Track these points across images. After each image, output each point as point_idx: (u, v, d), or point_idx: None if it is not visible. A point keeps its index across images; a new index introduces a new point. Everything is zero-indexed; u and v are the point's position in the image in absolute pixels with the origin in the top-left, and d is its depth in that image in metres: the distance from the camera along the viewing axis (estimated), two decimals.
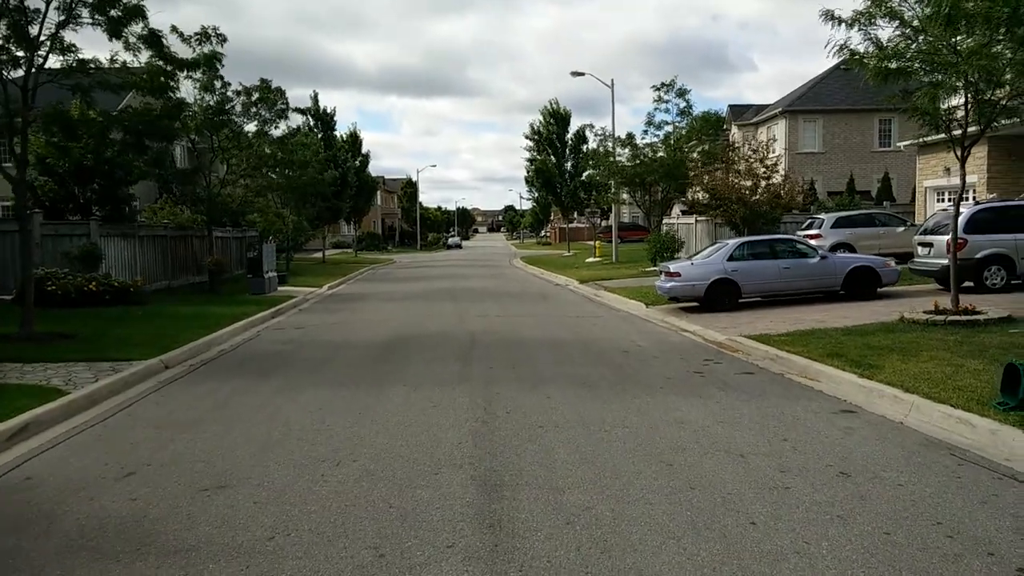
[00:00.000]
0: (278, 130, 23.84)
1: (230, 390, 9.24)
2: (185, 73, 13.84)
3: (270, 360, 11.56)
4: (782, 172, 22.91)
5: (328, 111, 43.64)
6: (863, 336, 11.37)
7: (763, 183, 22.63)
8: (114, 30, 12.44)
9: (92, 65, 12.07)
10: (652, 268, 28.26)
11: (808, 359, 10.09)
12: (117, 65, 12.92)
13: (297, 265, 38.31)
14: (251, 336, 14.55)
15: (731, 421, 7.19)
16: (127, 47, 12.55)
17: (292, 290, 25.20)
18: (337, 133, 50.12)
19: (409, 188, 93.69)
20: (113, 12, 12.24)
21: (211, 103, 21.89)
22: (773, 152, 24.10)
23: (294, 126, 24.48)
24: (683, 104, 28.94)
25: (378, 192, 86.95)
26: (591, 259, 39.13)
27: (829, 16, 12.36)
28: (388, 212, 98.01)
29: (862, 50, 11.94)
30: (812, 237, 21.92)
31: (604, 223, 53.21)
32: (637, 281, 24.45)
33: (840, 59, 12.08)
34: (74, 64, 11.89)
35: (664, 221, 32.20)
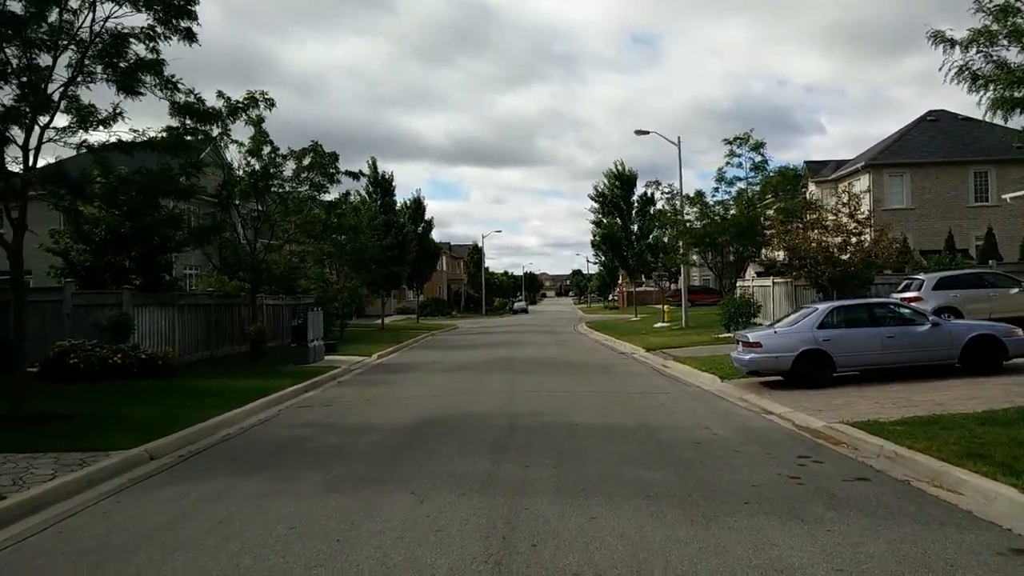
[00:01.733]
0: (328, 195, 22.82)
1: (201, 494, 7.51)
2: (207, 127, 12.53)
3: (273, 449, 9.86)
4: (875, 227, 20.46)
5: (386, 176, 43.28)
6: (1006, 428, 8.92)
7: (853, 240, 20.20)
8: (124, 84, 11.37)
9: (94, 120, 10.97)
10: (725, 335, 25.81)
11: (940, 460, 7.75)
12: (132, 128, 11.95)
13: (354, 332, 37.23)
14: (270, 416, 12.95)
15: (856, 570, 5.00)
16: (132, 95, 11.43)
17: (339, 359, 23.80)
18: (399, 199, 49.86)
19: (475, 254, 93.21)
20: (123, 63, 11.18)
21: (256, 167, 21.06)
22: (864, 205, 21.70)
23: (348, 191, 23.31)
24: (758, 158, 26.87)
25: (443, 258, 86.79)
26: (659, 324, 36.77)
27: (939, 38, 10.36)
28: (454, 278, 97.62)
29: (986, 71, 9.79)
30: (910, 300, 19.27)
31: (673, 286, 50.83)
32: (709, 350, 22.07)
33: (961, 82, 9.91)
34: (74, 121, 10.81)
35: (738, 284, 29.76)
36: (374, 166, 43.02)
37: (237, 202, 21.65)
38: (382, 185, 42.74)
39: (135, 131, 11.80)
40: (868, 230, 20.47)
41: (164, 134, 12.35)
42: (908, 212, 34.84)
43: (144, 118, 20.08)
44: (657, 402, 13.07)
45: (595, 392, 14.54)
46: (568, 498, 6.83)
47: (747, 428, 10.48)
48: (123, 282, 19.47)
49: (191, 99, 12.42)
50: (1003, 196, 24.49)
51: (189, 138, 12.14)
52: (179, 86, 11.55)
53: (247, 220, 21.86)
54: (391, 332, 39.34)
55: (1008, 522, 6.05)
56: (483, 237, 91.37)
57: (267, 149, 21.85)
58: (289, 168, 22.53)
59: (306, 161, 22.49)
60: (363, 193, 42.22)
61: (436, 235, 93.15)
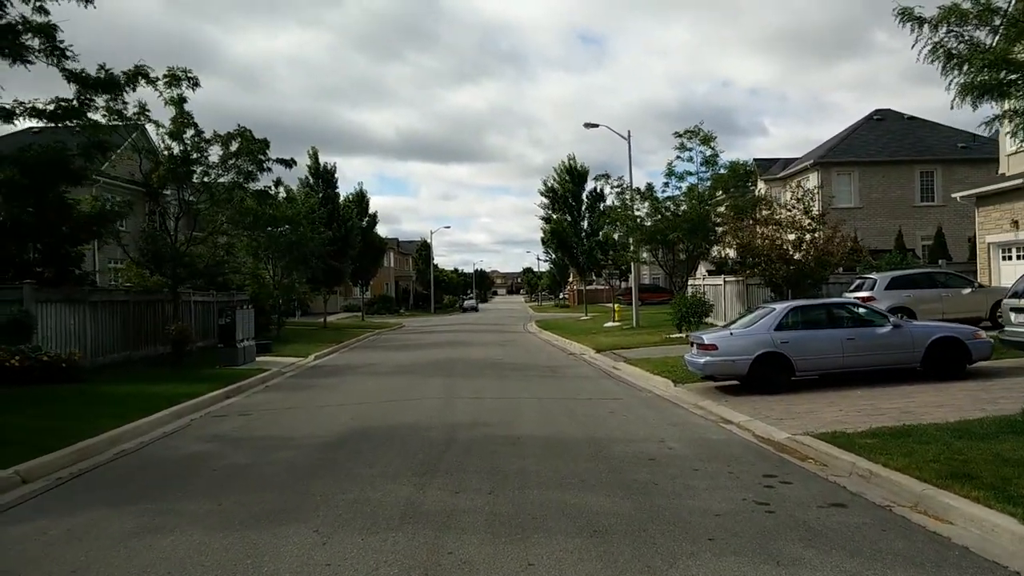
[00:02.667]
0: (258, 183, 21.24)
1: (62, 532, 6.20)
2: (105, 98, 11.06)
3: (168, 470, 8.53)
4: (828, 225, 19.89)
5: (329, 167, 41.44)
6: (985, 441, 8.15)
7: (808, 237, 19.59)
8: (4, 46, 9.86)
9: None
10: (677, 335, 25.11)
11: (922, 481, 6.91)
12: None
13: (293, 331, 35.57)
14: (178, 427, 11.55)
15: None
16: (18, 60, 9.93)
17: (272, 361, 22.32)
18: (345, 193, 48.11)
19: (424, 250, 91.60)
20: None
21: (176, 152, 19.45)
22: (817, 202, 21.11)
23: (279, 180, 21.68)
24: (708, 152, 26.14)
25: (391, 254, 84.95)
26: (610, 323, 36.02)
27: (907, 16, 9.57)
28: (402, 275, 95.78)
29: (961, 50, 8.99)
30: (864, 300, 18.74)
31: (623, 285, 50.28)
32: (661, 351, 21.27)
33: (935, 61, 9.10)
34: None
35: (689, 283, 29.09)
36: (315, 156, 41.20)
37: (166, 191, 19.97)
38: (324, 176, 40.95)
39: (18, 102, 10.27)
40: (822, 227, 19.88)
41: (52, 106, 10.84)
42: (856, 211, 34.74)
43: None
44: (607, 410, 12.08)
45: (541, 399, 13.49)
46: (502, 537, 5.73)
47: (705, 441, 9.55)
48: (27, 276, 17.68)
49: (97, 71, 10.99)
50: (953, 195, 24.26)
51: (97, 117, 10.67)
52: (67, 53, 10.07)
53: (167, 209, 20.19)
54: (333, 331, 37.75)
55: (1013, 562, 5.18)
56: (431, 233, 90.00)
57: (190, 132, 20.22)
58: (215, 154, 20.94)
59: (233, 147, 20.89)
60: (303, 185, 40.43)
61: (384, 231, 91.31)
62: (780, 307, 13.54)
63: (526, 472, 7.86)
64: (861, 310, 13.88)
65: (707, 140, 25.86)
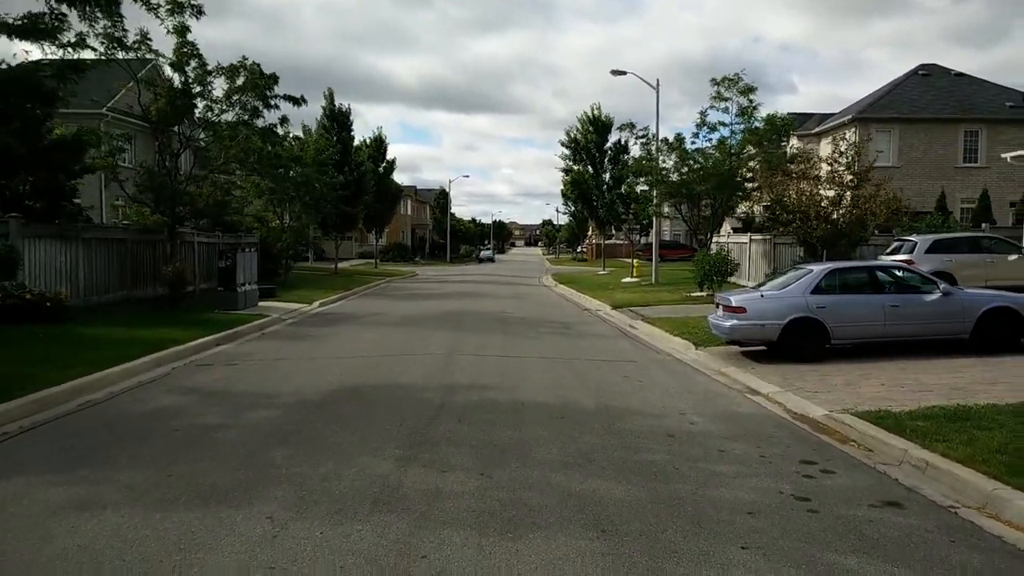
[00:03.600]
0: (262, 121, 20.03)
1: None
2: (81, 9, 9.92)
3: (128, 427, 7.63)
4: (873, 181, 18.43)
5: (343, 109, 39.97)
6: None
7: (848, 194, 18.18)
8: None
9: None
10: (698, 293, 23.93)
11: (991, 478, 5.84)
12: None
13: (302, 276, 34.70)
14: (156, 376, 10.66)
15: None
16: None
17: (274, 306, 21.44)
18: (359, 136, 46.71)
19: (442, 199, 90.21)
20: None
21: (178, 84, 18.29)
22: (871, 153, 19.53)
23: (285, 117, 20.41)
24: (746, 103, 24.41)
25: (408, 201, 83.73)
26: (628, 279, 34.82)
27: None
28: (419, 223, 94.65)
29: None
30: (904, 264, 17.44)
31: (643, 240, 48.85)
32: (681, 310, 20.15)
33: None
34: None
35: (713, 240, 27.72)
36: (330, 98, 39.70)
37: (175, 127, 18.86)
38: (338, 119, 39.50)
39: None
40: (865, 184, 18.42)
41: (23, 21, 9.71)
42: (894, 170, 32.93)
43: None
44: (622, 374, 11.03)
45: (550, 358, 12.47)
46: (490, 536, 4.73)
47: (731, 414, 8.49)
48: (16, 210, 16.78)
49: None
50: (1003, 155, 22.62)
51: (96, 44, 9.52)
52: None
53: (167, 144, 19.10)
54: (343, 277, 36.88)
55: None
56: (450, 182, 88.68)
57: (193, 64, 19.01)
58: (219, 88, 19.75)
59: (239, 80, 19.67)
60: (320, 128, 39.09)
61: (406, 179, 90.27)
62: (817, 269, 12.32)
63: (525, 447, 6.86)
64: (906, 274, 12.64)
65: (747, 91, 24.15)
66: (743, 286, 26.66)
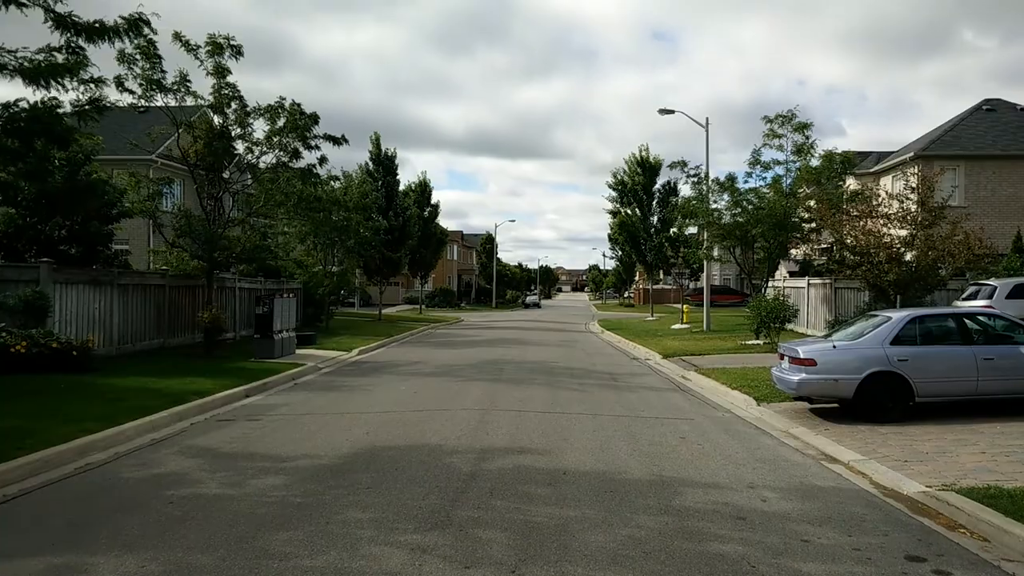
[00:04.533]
0: (300, 162, 19.65)
1: None
2: (109, 45, 9.48)
3: (120, 498, 6.79)
4: (948, 220, 17.00)
5: (389, 153, 39.85)
6: None
7: (921, 234, 16.76)
8: None
9: None
10: (754, 341, 22.55)
11: None
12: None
13: (344, 322, 34.24)
14: (169, 434, 9.88)
15: None
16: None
17: (311, 354, 20.78)
18: (405, 182, 46.67)
19: (488, 244, 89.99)
20: None
21: (217, 125, 18.03)
22: (939, 191, 18.16)
23: (326, 159, 20.01)
24: (801, 140, 23.18)
25: (454, 246, 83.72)
26: (677, 325, 33.48)
27: None
28: (465, 268, 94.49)
29: None
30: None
31: (692, 285, 47.43)
32: (737, 359, 18.85)
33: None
34: None
35: (769, 284, 26.28)
36: (377, 142, 39.68)
37: (202, 168, 18.56)
38: (384, 164, 39.39)
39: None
40: (941, 222, 17.01)
41: (40, 56, 9.26)
42: (960, 210, 31.20)
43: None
44: (677, 435, 9.87)
45: (596, 415, 11.35)
46: None
47: (809, 489, 7.27)
48: (50, 255, 16.51)
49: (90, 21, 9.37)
50: None
51: (133, 87, 9.06)
52: None
53: (203, 186, 18.78)
54: (386, 324, 36.31)
55: None
56: (496, 226, 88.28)
57: (234, 106, 18.77)
58: (260, 131, 19.47)
59: (280, 122, 19.37)
60: (363, 172, 39.01)
61: (452, 225, 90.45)
62: (896, 316, 11.03)
63: (567, 531, 5.79)
64: (998, 322, 11.26)
65: (802, 128, 22.97)
66: (803, 334, 25.15)
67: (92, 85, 10.14)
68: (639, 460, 8.28)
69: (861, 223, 17.22)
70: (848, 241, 17.48)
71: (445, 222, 51.55)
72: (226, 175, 19.24)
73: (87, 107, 10.07)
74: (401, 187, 43.89)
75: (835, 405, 11.18)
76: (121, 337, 17.90)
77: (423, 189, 50.03)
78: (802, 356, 10.75)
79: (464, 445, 8.89)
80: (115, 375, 14.09)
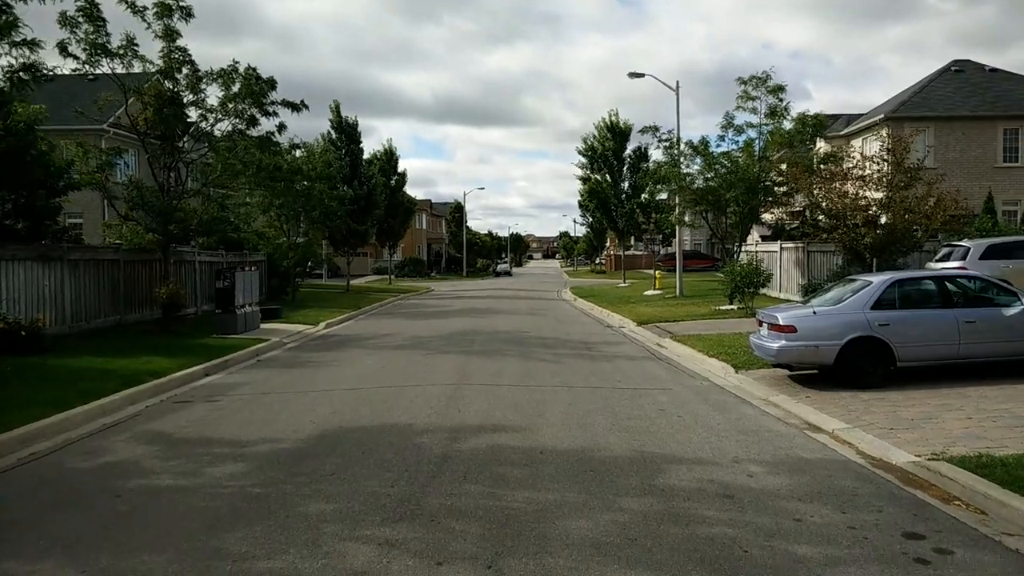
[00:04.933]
0: (259, 130, 18.79)
1: None
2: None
3: (63, 492, 6.27)
4: (924, 180, 16.80)
5: (351, 121, 38.71)
6: None
7: (897, 196, 16.55)
8: None
9: None
10: (728, 307, 22.38)
11: None
12: None
13: (311, 294, 33.50)
14: (121, 419, 9.32)
15: None
16: None
17: (276, 328, 20.14)
18: (370, 149, 45.56)
19: (457, 212, 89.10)
20: None
21: (168, 91, 17.11)
22: (915, 152, 17.92)
23: (284, 126, 19.16)
24: (775, 102, 22.76)
25: (423, 216, 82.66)
26: (650, 292, 33.27)
27: None
28: (435, 238, 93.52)
29: None
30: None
31: (664, 250, 47.27)
32: (712, 325, 18.64)
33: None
34: None
35: (743, 249, 26.07)
36: (337, 110, 38.45)
37: (167, 138, 17.65)
38: (346, 132, 38.28)
39: None
40: (917, 184, 16.80)
41: None
42: (930, 172, 31.26)
43: None
44: (656, 406, 9.55)
45: (572, 387, 11.00)
46: None
47: (796, 462, 6.99)
48: (0, 231, 15.63)
49: None
50: None
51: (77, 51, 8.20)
52: None
53: (156, 156, 17.89)
54: (355, 295, 35.62)
55: None
56: (464, 194, 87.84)
57: (185, 71, 17.82)
58: (213, 96, 18.55)
59: (235, 88, 18.45)
60: (326, 141, 37.93)
61: (420, 193, 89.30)
62: (877, 280, 10.77)
63: (546, 517, 5.41)
64: (978, 284, 11.07)
65: (777, 89, 22.52)
66: (776, 299, 25.05)
67: (26, 49, 9.32)
68: (618, 435, 7.93)
69: (836, 186, 16.94)
70: (823, 204, 17.23)
71: (413, 191, 50.62)
72: (181, 144, 18.35)
73: (20, 73, 9.27)
74: (366, 156, 42.87)
75: (815, 372, 10.95)
76: (74, 315, 17.09)
77: (389, 157, 48.96)
78: (782, 323, 10.46)
79: (435, 424, 8.47)
80: (67, 355, 13.40)
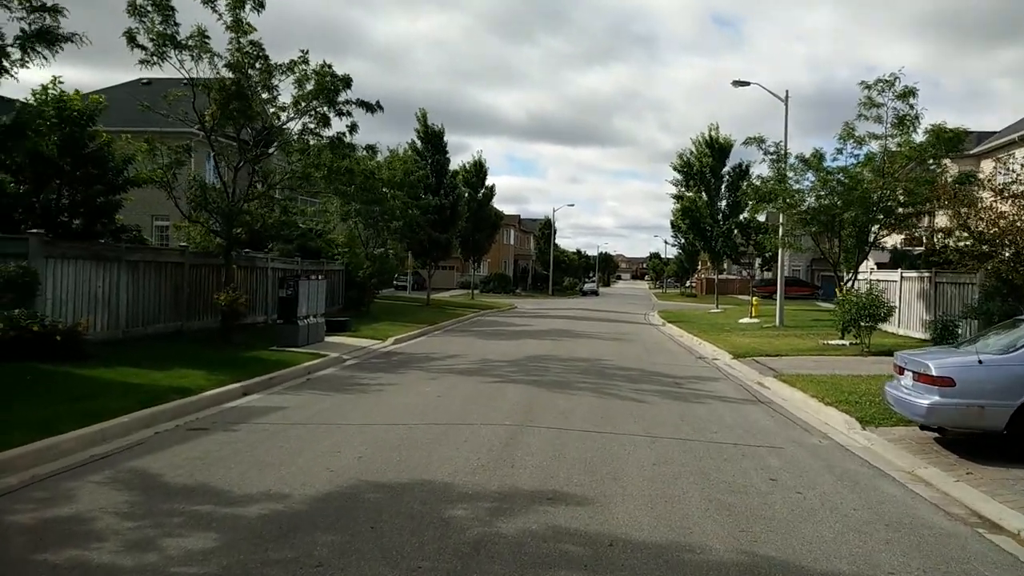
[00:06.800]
0: (329, 131, 17.60)
1: None
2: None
3: None
4: None
5: (437, 130, 37.67)
6: None
7: None
8: None
9: None
10: (838, 341, 19.75)
11: None
12: None
13: (388, 306, 32.44)
14: (115, 449, 7.93)
15: None
16: None
17: (341, 342, 18.91)
18: (459, 162, 44.60)
19: (546, 229, 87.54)
20: None
21: (230, 81, 16.10)
22: None
23: (356, 126, 17.91)
24: (905, 110, 19.83)
25: (511, 231, 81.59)
26: (746, 320, 30.58)
27: None
28: (522, 254, 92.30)
29: None
30: None
31: (765, 274, 44.09)
32: (822, 363, 16.19)
33: None
34: None
35: (859, 276, 23.17)
36: (424, 119, 37.48)
37: (235, 135, 16.75)
38: (432, 141, 37.34)
39: None
40: None
41: None
42: None
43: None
44: (765, 474, 7.43)
45: (656, 437, 8.97)
46: None
47: None
48: (50, 227, 14.90)
49: None
50: None
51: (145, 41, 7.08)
52: None
53: (222, 155, 16.93)
54: (433, 309, 34.37)
55: None
56: (554, 210, 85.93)
57: (258, 66, 16.84)
58: (288, 93, 17.50)
59: (309, 87, 17.34)
60: (411, 151, 36.98)
61: (512, 210, 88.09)
62: None
63: None
64: None
65: (907, 94, 19.70)
66: (895, 334, 22.13)
67: (44, 13, 8.14)
68: (718, 521, 5.90)
69: (992, 204, 14.21)
70: (975, 227, 14.50)
71: (504, 207, 50.00)
72: (249, 142, 17.35)
73: (34, 40, 8.12)
74: (455, 168, 41.84)
75: (971, 433, 8.56)
76: (130, 319, 16.24)
77: (478, 170, 47.87)
78: (935, 373, 8.14)
79: (478, 485, 6.64)
80: (103, 365, 12.32)
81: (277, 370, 13.57)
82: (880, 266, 27.96)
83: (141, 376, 11.55)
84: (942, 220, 18.18)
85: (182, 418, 9.55)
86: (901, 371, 9.02)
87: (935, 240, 19.92)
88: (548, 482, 6.82)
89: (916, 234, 22.90)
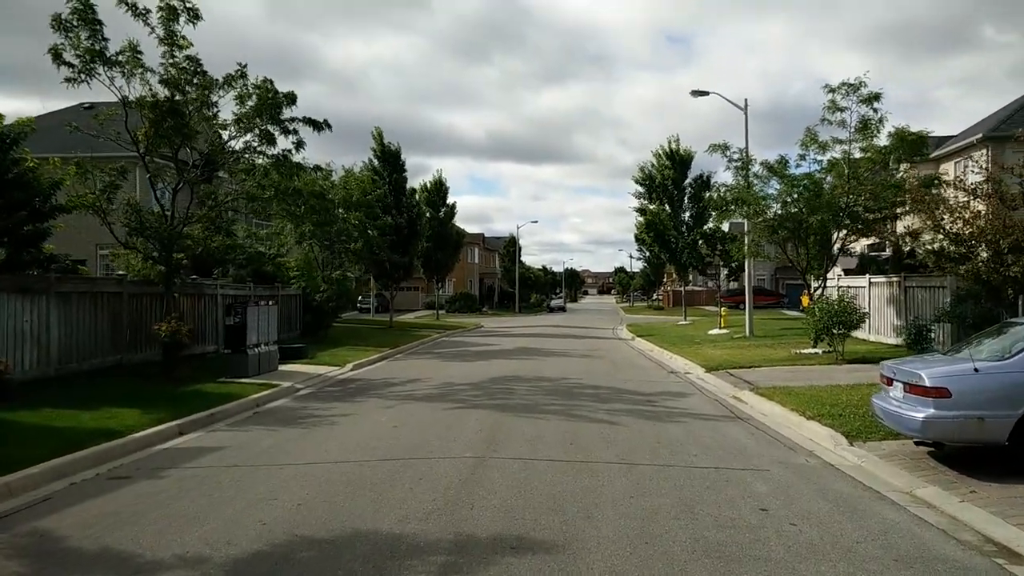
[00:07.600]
0: (275, 149, 16.62)
1: None
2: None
3: None
4: None
5: (393, 148, 36.75)
6: None
7: None
8: None
9: None
10: (811, 350, 19.28)
11: None
12: None
13: (348, 330, 31.34)
14: (18, 506, 6.93)
15: None
16: None
17: (296, 370, 17.88)
18: (420, 182, 43.77)
19: (511, 247, 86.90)
20: None
21: (164, 99, 15.13)
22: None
23: (303, 144, 16.96)
24: (869, 114, 19.54)
25: (474, 249, 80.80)
26: (715, 331, 30.12)
27: None
28: (487, 272, 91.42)
29: None
30: None
31: (732, 284, 43.92)
32: (797, 373, 15.63)
33: None
34: None
35: (828, 283, 22.80)
36: (379, 137, 36.53)
37: (170, 155, 15.70)
38: (389, 159, 36.44)
39: None
40: None
41: None
42: None
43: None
44: (754, 503, 6.69)
45: (633, 464, 8.20)
46: None
47: None
48: None
49: None
50: None
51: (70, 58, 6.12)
52: None
53: (158, 176, 15.90)
54: (397, 332, 33.36)
55: None
56: (518, 227, 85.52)
57: (196, 82, 15.87)
58: (229, 111, 16.55)
59: (250, 103, 16.41)
60: (367, 169, 36.03)
61: (475, 229, 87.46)
62: None
63: None
64: None
65: (872, 98, 19.42)
66: (866, 340, 21.76)
67: None
68: (707, 565, 5.13)
69: (972, 204, 13.80)
70: (952, 228, 14.08)
71: (468, 226, 49.05)
72: (189, 163, 16.35)
73: None
74: (415, 186, 41.02)
75: (957, 445, 7.95)
76: (62, 356, 15.05)
77: (439, 189, 47.07)
78: (928, 383, 7.50)
79: (431, 533, 5.78)
80: (26, 407, 11.21)
81: (221, 404, 12.56)
82: (847, 272, 27.69)
83: (65, 418, 10.48)
84: (908, 223, 17.83)
85: (105, 464, 8.55)
86: (889, 382, 8.39)
87: (902, 243, 19.59)
88: (512, 526, 5.99)
89: (884, 236, 22.59)
